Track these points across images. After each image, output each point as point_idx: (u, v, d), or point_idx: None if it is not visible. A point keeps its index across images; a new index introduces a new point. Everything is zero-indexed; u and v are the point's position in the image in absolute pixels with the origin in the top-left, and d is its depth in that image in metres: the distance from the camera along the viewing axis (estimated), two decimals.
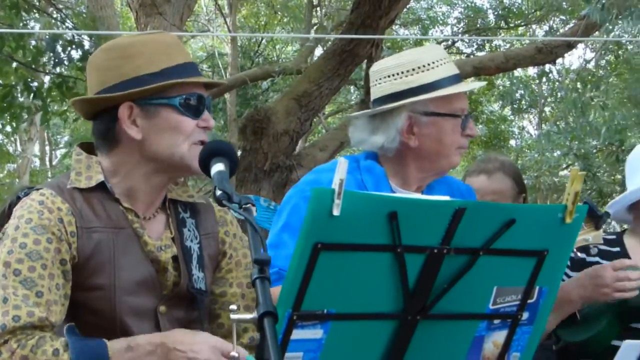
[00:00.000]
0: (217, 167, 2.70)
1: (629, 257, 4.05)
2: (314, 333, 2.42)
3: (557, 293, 3.85)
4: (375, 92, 3.67)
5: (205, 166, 2.75)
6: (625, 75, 12.46)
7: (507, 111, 22.14)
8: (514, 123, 23.05)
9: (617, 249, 4.12)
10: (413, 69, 3.59)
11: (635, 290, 3.77)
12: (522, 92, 19.72)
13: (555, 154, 14.75)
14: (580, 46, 20.58)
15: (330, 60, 10.76)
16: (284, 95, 11.43)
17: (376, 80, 3.67)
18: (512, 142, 22.49)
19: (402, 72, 3.61)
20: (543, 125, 20.34)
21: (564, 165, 13.42)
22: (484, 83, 3.38)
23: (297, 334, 2.39)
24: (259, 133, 10.80)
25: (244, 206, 2.54)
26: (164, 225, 3.06)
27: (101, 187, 2.96)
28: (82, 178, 2.97)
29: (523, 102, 20.73)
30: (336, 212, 2.29)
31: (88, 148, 3.08)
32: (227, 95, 19.07)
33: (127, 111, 2.96)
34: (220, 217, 3.17)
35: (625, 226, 4.37)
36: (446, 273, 2.49)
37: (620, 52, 18.00)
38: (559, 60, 20.11)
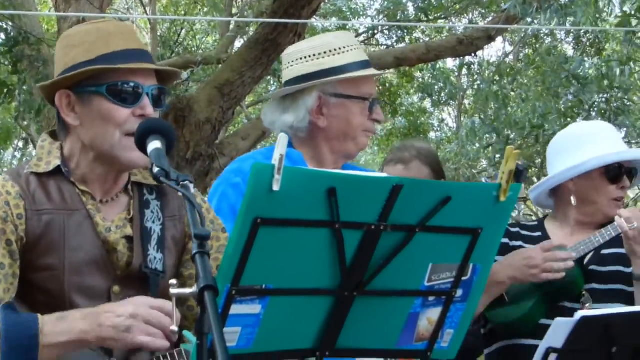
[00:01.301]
0: (154, 145, 2.71)
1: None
2: (252, 308, 2.43)
3: None
4: (287, 74, 3.80)
5: (142, 144, 2.74)
6: (544, 68, 12.65)
7: (427, 103, 22.31)
8: (433, 115, 23.22)
9: (539, 233, 4.19)
10: (325, 52, 3.73)
11: (563, 271, 3.85)
12: (442, 84, 19.88)
13: (475, 147, 14.90)
14: (499, 40, 20.85)
15: (252, 49, 10.73)
16: (206, 84, 11.37)
17: (289, 63, 3.80)
18: (432, 135, 22.64)
19: (314, 55, 3.74)
20: (462, 118, 20.54)
21: (483, 159, 13.57)
22: (391, 70, 3.43)
23: (235, 309, 2.40)
24: (181, 121, 10.72)
25: (181, 183, 2.54)
26: (124, 207, 3.10)
27: (60, 171, 3.02)
28: (42, 163, 3.03)
29: (442, 94, 20.90)
30: (276, 187, 2.30)
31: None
32: None
33: (64, 99, 3.02)
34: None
35: (548, 211, 4.45)
36: (383, 250, 2.51)
37: (538, 45, 18.26)
38: (479, 54, 20.37)
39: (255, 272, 2.38)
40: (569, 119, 10.97)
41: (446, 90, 20.19)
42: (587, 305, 3.86)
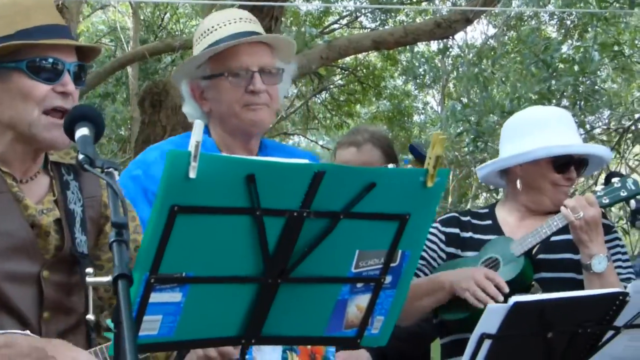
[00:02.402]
0: (81, 132, 2.67)
1: (500, 230, 4.10)
2: (173, 296, 2.41)
3: (435, 277, 3.92)
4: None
5: (70, 131, 2.71)
6: (523, 51, 12.61)
7: (411, 86, 22.28)
8: (418, 98, 23.21)
9: (489, 221, 4.17)
10: (202, 34, 3.70)
11: (481, 304, 3.74)
12: (426, 67, 19.87)
13: (458, 130, 14.89)
14: (483, 22, 20.81)
15: None
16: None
17: (193, 45, 3.78)
18: (416, 118, 22.65)
19: (198, 39, 3.72)
20: (446, 101, 20.52)
21: (467, 140, 13.53)
22: (265, 35, 3.28)
23: (155, 297, 2.38)
24: (157, 105, 10.71)
25: (106, 170, 2.52)
26: (46, 188, 3.04)
27: None
28: None
29: (427, 77, 20.89)
30: (192, 174, 2.27)
31: None
32: (129, 69, 18.87)
33: None
34: (103, 181, 3.14)
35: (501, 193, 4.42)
36: (307, 236, 2.49)
37: (522, 28, 18.23)
38: (462, 36, 20.33)
39: (174, 260, 2.35)
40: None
41: (430, 74, 20.19)
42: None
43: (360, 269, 2.62)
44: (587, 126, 11.78)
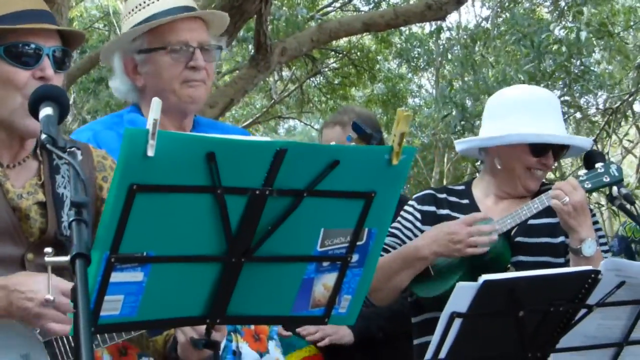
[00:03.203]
0: (45, 111, 2.66)
1: (478, 209, 4.07)
2: (134, 276, 2.40)
3: (409, 249, 3.91)
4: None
5: (35, 110, 2.69)
6: (512, 32, 12.58)
7: (405, 69, 22.23)
8: (413, 81, 23.16)
9: (466, 200, 4.14)
10: (133, 9, 3.64)
11: (487, 246, 3.80)
12: (419, 50, 19.83)
13: (453, 113, 14.88)
14: (477, 4, 20.78)
15: None
16: None
17: (121, 20, 3.75)
18: (411, 101, 22.61)
19: (128, 13, 3.66)
20: (440, 83, 20.47)
21: (452, 123, 13.52)
22: (203, 11, 3.25)
23: (116, 277, 2.36)
24: None
25: (68, 150, 2.50)
26: (34, 172, 3.05)
27: None
28: None
29: (421, 60, 20.85)
30: (150, 153, 2.25)
31: None
32: None
33: None
34: (98, 163, 3.17)
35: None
36: (270, 215, 2.47)
37: (516, 10, 18.17)
38: (456, 18, 20.29)
39: (135, 239, 2.34)
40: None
41: (424, 57, 20.14)
42: None
43: (326, 248, 2.60)
44: (575, 108, 11.77)
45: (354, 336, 4.75)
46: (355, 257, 2.65)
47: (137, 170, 2.27)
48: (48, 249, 2.34)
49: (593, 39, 10.61)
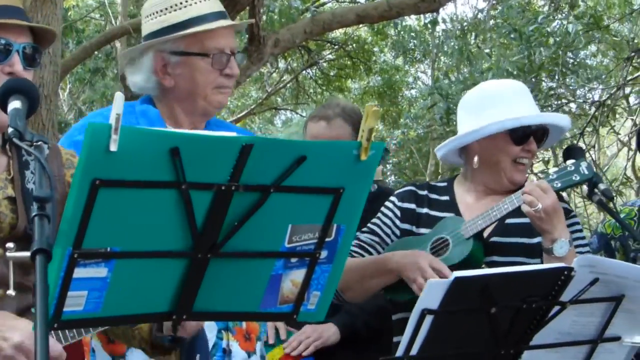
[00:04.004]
0: (13, 105, 2.65)
1: (456, 208, 4.05)
2: (98, 271, 2.37)
3: (383, 259, 3.88)
4: (142, 31, 3.73)
5: (3, 104, 2.68)
6: (506, 23, 12.53)
7: (401, 61, 22.20)
8: (409, 73, 23.13)
9: (446, 197, 4.11)
10: (166, 8, 3.65)
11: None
12: (415, 42, 19.80)
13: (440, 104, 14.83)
14: None
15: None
16: None
17: (143, 19, 3.73)
18: (407, 93, 22.59)
19: (158, 12, 3.67)
20: (436, 75, 20.44)
21: (437, 114, 13.44)
22: (239, 23, 3.33)
23: (79, 273, 2.34)
24: None
25: (35, 143, 2.50)
26: (4, 167, 3.05)
27: None
28: None
29: (417, 52, 20.81)
30: (113, 147, 2.23)
31: None
32: (118, 45, 18.76)
33: None
34: (67, 160, 3.16)
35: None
36: (237, 210, 2.45)
37: (513, 2, 18.12)
38: (452, 10, 20.24)
39: (98, 234, 2.32)
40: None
41: (421, 48, 20.11)
42: None
43: (294, 244, 2.58)
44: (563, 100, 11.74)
45: (339, 332, 4.73)
46: (324, 254, 2.63)
47: (99, 165, 2.25)
48: (10, 244, 2.34)
49: (581, 31, 10.55)
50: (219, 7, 3.67)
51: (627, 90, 13.04)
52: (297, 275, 2.64)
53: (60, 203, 3.08)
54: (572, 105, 12.42)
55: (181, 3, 3.62)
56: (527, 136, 3.95)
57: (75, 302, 2.37)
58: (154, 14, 3.68)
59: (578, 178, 3.85)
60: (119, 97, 2.23)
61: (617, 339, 3.19)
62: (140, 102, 3.76)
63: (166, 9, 3.63)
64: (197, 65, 3.63)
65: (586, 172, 3.85)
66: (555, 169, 3.91)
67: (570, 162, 3.86)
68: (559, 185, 3.84)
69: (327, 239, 2.61)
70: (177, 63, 3.64)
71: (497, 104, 3.96)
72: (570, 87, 11.59)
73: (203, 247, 2.46)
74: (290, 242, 2.57)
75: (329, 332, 4.66)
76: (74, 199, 2.27)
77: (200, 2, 3.63)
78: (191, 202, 2.38)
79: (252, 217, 2.47)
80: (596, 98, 12.35)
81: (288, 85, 21.59)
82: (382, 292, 4.02)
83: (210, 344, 3.54)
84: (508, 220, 3.94)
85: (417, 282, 3.71)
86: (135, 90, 3.73)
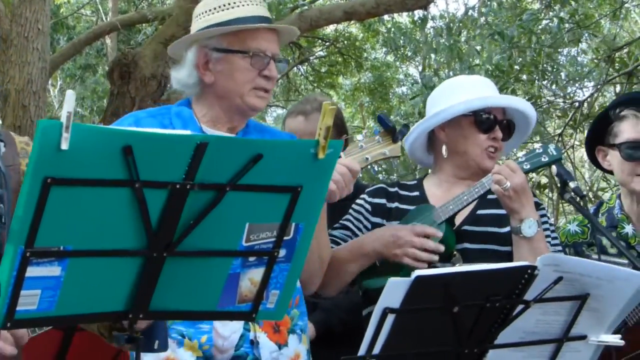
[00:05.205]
0: None
1: (426, 201, 4.05)
2: (51, 270, 2.36)
3: (356, 243, 3.90)
4: (191, 31, 3.80)
5: None
6: (495, 21, 12.53)
7: (391, 58, 22.14)
8: (400, 70, 23.07)
9: (416, 193, 4.12)
10: (214, 8, 3.73)
11: (424, 263, 3.77)
12: (405, 39, 19.71)
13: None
14: None
15: (198, 3, 10.57)
16: (152, 39, 11.24)
17: (193, 19, 3.81)
18: (398, 90, 22.52)
19: (207, 12, 3.75)
20: (426, 72, 20.40)
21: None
22: (283, 26, 3.37)
23: (32, 271, 2.33)
24: (126, 77, 10.62)
25: None
26: None
27: None
28: None
29: (407, 49, 20.73)
30: (64, 146, 2.22)
31: None
32: (108, 41, 18.75)
33: None
34: (21, 149, 3.14)
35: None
36: (192, 209, 2.44)
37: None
38: (444, 8, 20.21)
39: (51, 233, 2.31)
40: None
41: (411, 46, 20.03)
42: (457, 265, 3.79)
43: (252, 243, 2.57)
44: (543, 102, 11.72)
45: (315, 330, 4.72)
46: (282, 252, 2.62)
47: (51, 164, 2.23)
48: None
49: (565, 30, 10.54)
50: (265, 13, 3.76)
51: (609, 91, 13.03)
52: (256, 274, 2.63)
53: (15, 192, 3.07)
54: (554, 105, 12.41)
55: (229, 4, 3.70)
56: (492, 124, 3.96)
57: (29, 301, 2.36)
58: (202, 13, 3.76)
59: (547, 159, 3.88)
60: (70, 95, 2.22)
61: (583, 337, 3.17)
62: (177, 105, 3.84)
63: (214, 8, 3.71)
64: (237, 63, 3.69)
65: (554, 153, 3.88)
66: (524, 152, 3.94)
67: (537, 145, 3.89)
68: (528, 167, 3.88)
69: (285, 238, 2.61)
70: (218, 59, 3.70)
71: (463, 92, 4.01)
72: (549, 88, 11.58)
73: (158, 246, 2.45)
74: (248, 240, 2.56)
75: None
76: (25, 197, 2.26)
77: (248, 5, 3.72)
78: (145, 201, 2.37)
79: (208, 215, 2.46)
80: (577, 98, 12.34)
81: (279, 81, 21.53)
82: (359, 278, 4.02)
83: (237, 335, 3.56)
84: (479, 211, 3.97)
85: (407, 254, 3.77)
86: (178, 87, 3.78)
